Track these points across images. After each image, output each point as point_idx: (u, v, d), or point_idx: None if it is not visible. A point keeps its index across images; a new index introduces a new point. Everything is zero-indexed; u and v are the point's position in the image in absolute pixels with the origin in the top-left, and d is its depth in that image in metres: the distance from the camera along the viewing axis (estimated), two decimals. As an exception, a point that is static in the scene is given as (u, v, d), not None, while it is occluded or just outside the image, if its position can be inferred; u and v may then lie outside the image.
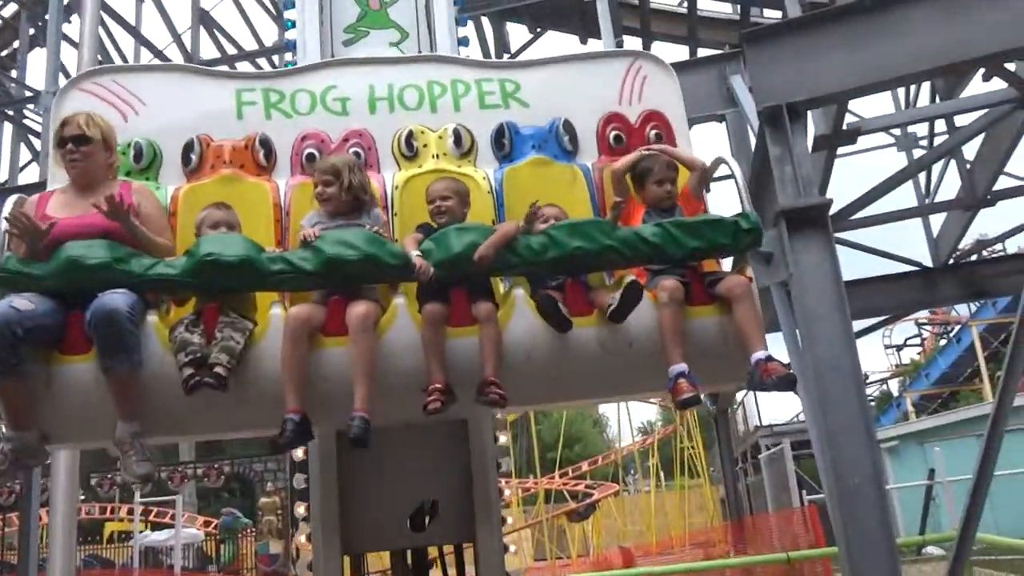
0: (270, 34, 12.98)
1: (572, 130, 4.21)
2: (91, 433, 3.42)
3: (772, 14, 12.01)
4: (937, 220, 11.33)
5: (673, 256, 3.56)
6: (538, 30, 12.42)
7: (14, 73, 13.18)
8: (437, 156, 4.12)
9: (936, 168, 11.01)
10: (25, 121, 12.02)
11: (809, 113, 6.32)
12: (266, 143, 4.08)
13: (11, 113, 11.88)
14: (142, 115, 4.03)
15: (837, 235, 6.10)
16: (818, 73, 6.04)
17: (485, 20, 11.30)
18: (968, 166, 9.90)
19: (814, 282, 5.51)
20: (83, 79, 4.19)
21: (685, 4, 11.85)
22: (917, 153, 12.00)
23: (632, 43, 12.29)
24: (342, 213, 3.71)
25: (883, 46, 6.05)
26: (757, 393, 23.23)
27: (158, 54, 12.32)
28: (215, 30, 12.65)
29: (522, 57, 12.11)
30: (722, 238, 3.57)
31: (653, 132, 4.26)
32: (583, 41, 12.53)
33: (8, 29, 13.86)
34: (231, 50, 12.94)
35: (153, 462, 3.31)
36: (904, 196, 11.36)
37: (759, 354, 3.42)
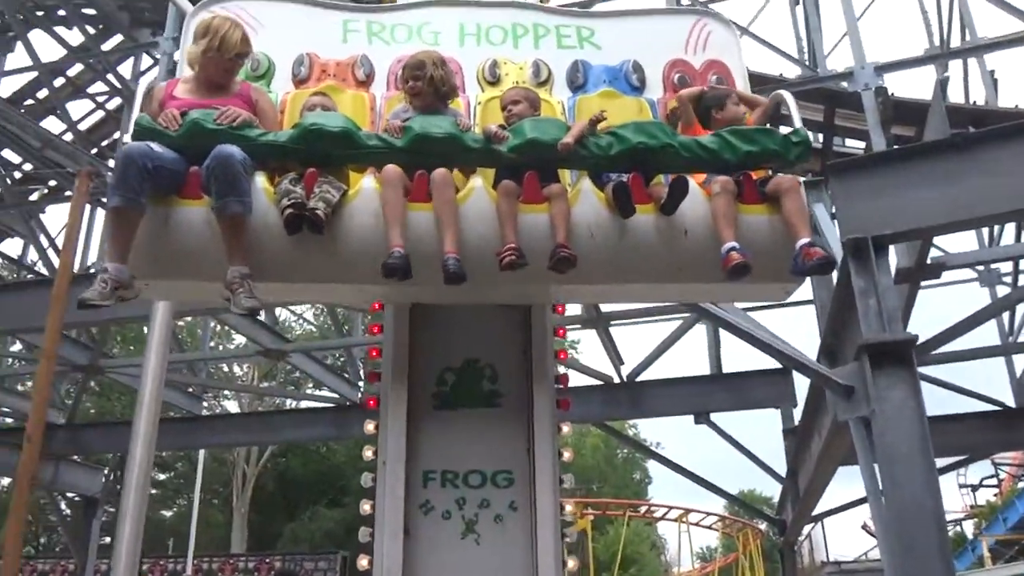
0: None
1: (640, 70, 4.69)
2: (199, 270, 3.75)
3: (854, 143, 12.01)
4: (1021, 359, 11.02)
5: (728, 160, 3.90)
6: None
7: (112, 163, 13.74)
8: (517, 83, 4.59)
9: (1021, 307, 10.77)
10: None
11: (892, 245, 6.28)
12: (366, 62, 4.65)
13: (105, 200, 12.31)
14: (260, 34, 4.51)
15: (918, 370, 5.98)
16: (904, 208, 6.02)
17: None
18: (1054, 306, 9.68)
19: (898, 420, 5.39)
20: (212, 3, 4.74)
21: (767, 130, 11.95)
22: (1000, 289, 11.79)
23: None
24: (428, 105, 4.15)
25: (971, 184, 6.02)
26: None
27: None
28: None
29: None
30: (773, 144, 3.94)
31: (714, 77, 4.66)
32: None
33: (112, 121, 14.50)
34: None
35: (259, 300, 3.63)
36: (987, 333, 11.13)
37: (803, 240, 3.69)
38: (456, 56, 4.64)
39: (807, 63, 11.80)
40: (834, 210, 7.17)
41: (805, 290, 10.09)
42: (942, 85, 9.23)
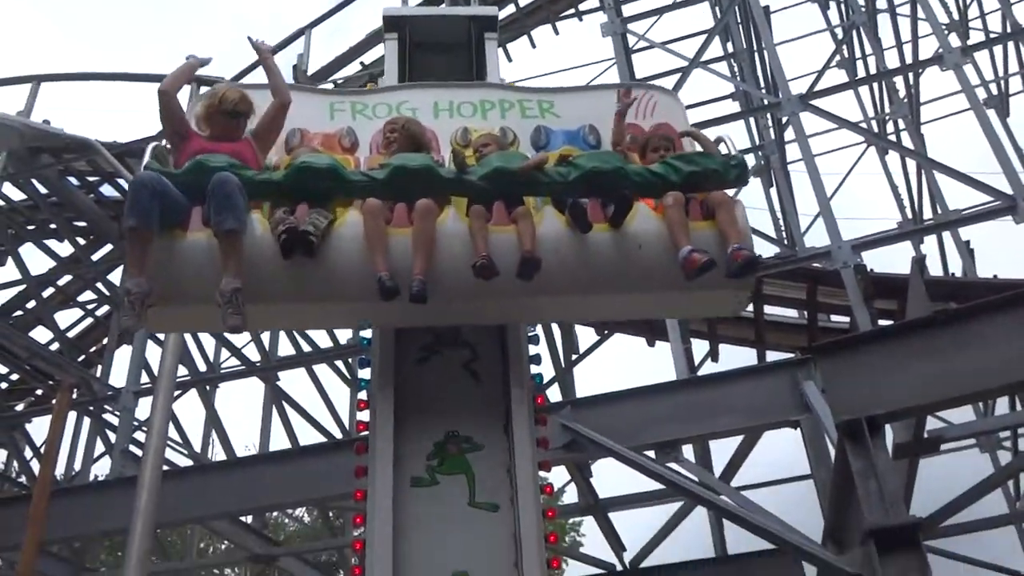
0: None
1: (596, 132, 5.21)
2: (199, 295, 4.12)
3: (838, 318, 12.10)
4: (1031, 526, 10.70)
5: (674, 182, 4.36)
6: (605, 332, 12.66)
7: (99, 369, 13.67)
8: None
9: (1024, 472, 10.54)
10: (104, 416, 12.30)
11: (887, 421, 6.17)
12: (351, 133, 5.16)
13: (92, 409, 12.20)
14: (257, 116, 4.90)
15: (925, 544, 5.75)
16: (896, 387, 5.99)
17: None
18: (1059, 469, 9.48)
19: (911, 610, 5.14)
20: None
21: (751, 308, 12.02)
22: (1001, 454, 11.60)
23: (699, 345, 12.43)
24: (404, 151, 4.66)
25: (960, 360, 6.02)
26: None
27: (237, 353, 12.67)
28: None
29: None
30: (713, 165, 4.44)
31: (662, 133, 5.04)
32: (650, 344, 12.73)
33: (100, 328, 14.55)
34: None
35: (244, 318, 3.98)
36: (994, 501, 10.82)
37: (732, 245, 4.08)
38: (431, 126, 5.12)
39: (785, 242, 12.08)
40: (823, 388, 7.14)
41: (804, 466, 9.90)
42: (919, 264, 9.42)
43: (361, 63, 15.17)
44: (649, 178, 4.40)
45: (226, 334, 4.12)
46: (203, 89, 5.61)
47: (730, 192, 4.63)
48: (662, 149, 4.75)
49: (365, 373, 4.82)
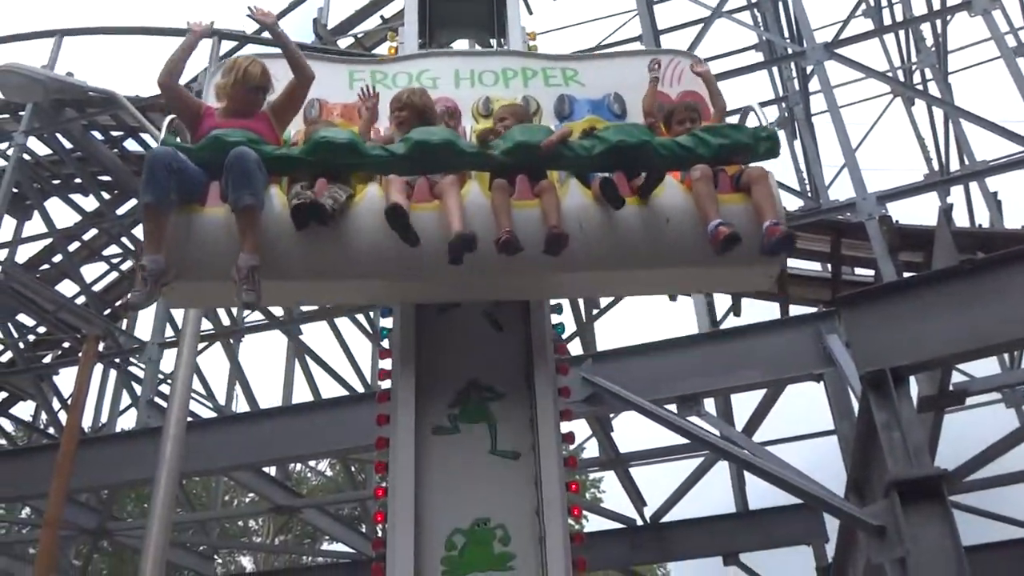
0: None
1: (621, 100, 5.10)
2: (217, 272, 4.02)
3: (863, 271, 11.98)
4: (1057, 483, 10.62)
5: (702, 155, 4.22)
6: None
7: (125, 322, 13.81)
8: None
9: (1051, 429, 10.44)
10: (129, 369, 12.43)
11: (912, 374, 6.12)
12: None
13: (118, 361, 12.33)
14: (276, 87, 4.76)
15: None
16: (921, 337, 5.93)
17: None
18: (1087, 426, 9.39)
19: (933, 561, 5.13)
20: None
21: (775, 261, 11.92)
22: (1027, 409, 11.50)
23: (722, 300, 12.33)
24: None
25: (986, 310, 5.96)
26: None
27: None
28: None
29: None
30: (744, 138, 4.30)
31: (687, 103, 4.91)
32: (672, 298, 12.65)
33: (125, 282, 14.68)
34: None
35: (260, 294, 3.93)
36: (1019, 455, 10.76)
37: (767, 221, 3.98)
38: (452, 96, 5.10)
39: (809, 195, 11.93)
40: (847, 341, 7.08)
41: (827, 421, 9.88)
42: (946, 213, 9.28)
43: (381, 16, 15.03)
44: (677, 151, 4.27)
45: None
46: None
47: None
48: (688, 120, 4.62)
49: (387, 322, 4.84)
